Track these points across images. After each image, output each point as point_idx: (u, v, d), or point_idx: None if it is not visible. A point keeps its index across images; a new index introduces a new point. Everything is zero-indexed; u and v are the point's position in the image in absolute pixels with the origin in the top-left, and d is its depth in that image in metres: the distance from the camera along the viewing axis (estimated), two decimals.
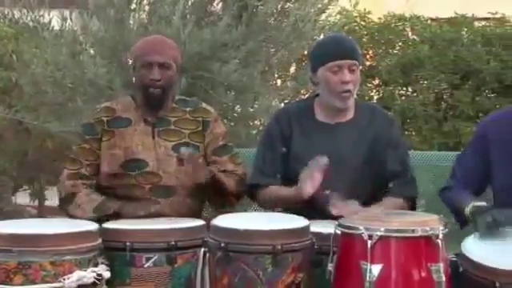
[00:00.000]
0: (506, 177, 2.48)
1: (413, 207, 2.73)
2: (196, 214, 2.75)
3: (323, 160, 2.48)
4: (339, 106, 2.69)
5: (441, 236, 2.06)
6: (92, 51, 4.22)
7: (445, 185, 2.65)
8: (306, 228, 2.25)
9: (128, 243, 2.32)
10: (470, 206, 2.38)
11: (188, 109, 2.82)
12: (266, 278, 2.15)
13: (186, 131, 2.79)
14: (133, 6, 4.25)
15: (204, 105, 2.89)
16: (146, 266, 2.33)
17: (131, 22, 4.17)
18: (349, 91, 2.66)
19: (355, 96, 2.75)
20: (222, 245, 2.17)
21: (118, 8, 4.14)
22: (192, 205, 2.77)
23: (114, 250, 2.34)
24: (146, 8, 4.26)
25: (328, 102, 2.71)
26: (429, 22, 6.04)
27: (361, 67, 2.84)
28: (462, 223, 2.49)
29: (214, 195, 2.77)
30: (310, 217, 2.33)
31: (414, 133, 5.66)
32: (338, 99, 2.68)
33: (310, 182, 2.48)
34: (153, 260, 2.34)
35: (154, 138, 2.76)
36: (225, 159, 2.80)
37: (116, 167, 2.73)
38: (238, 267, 2.16)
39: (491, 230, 2.24)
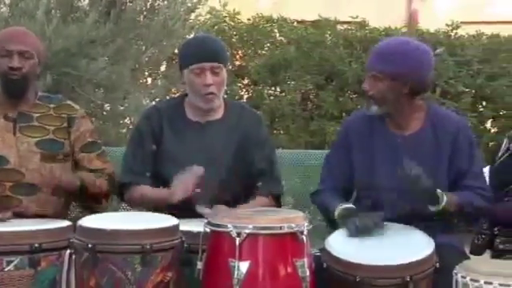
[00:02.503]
0: (364, 174, 2.58)
1: (278, 204, 2.79)
2: (61, 212, 2.69)
3: (199, 170, 2.49)
4: (203, 107, 2.71)
5: (305, 232, 2.12)
6: None
7: (315, 189, 2.69)
8: (176, 227, 2.25)
9: None
10: (339, 209, 2.45)
11: (52, 105, 2.74)
12: (134, 278, 2.12)
13: (50, 127, 2.70)
14: None
15: (69, 102, 2.82)
16: (6, 269, 2.24)
17: None
18: (212, 93, 2.67)
19: (223, 95, 2.78)
20: (89, 245, 2.13)
21: None
22: (57, 203, 2.70)
23: None
24: (7, 1, 4.08)
25: (194, 103, 2.73)
26: (295, 24, 6.21)
27: (230, 67, 2.86)
28: (332, 225, 2.53)
29: (83, 197, 2.71)
30: (179, 216, 2.33)
31: (282, 132, 5.80)
32: (202, 101, 2.69)
33: (182, 189, 2.49)
34: (14, 263, 2.24)
35: (15, 134, 2.65)
36: (93, 156, 2.74)
37: None
38: (105, 268, 2.12)
39: (359, 235, 2.30)
